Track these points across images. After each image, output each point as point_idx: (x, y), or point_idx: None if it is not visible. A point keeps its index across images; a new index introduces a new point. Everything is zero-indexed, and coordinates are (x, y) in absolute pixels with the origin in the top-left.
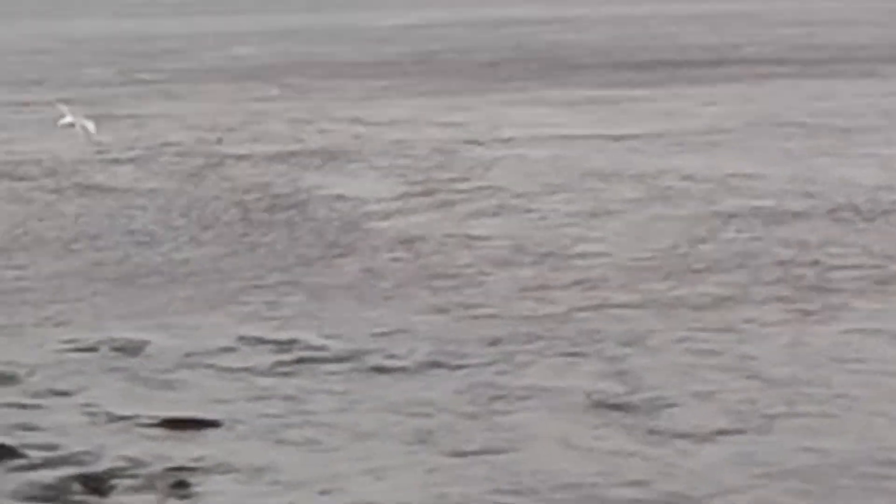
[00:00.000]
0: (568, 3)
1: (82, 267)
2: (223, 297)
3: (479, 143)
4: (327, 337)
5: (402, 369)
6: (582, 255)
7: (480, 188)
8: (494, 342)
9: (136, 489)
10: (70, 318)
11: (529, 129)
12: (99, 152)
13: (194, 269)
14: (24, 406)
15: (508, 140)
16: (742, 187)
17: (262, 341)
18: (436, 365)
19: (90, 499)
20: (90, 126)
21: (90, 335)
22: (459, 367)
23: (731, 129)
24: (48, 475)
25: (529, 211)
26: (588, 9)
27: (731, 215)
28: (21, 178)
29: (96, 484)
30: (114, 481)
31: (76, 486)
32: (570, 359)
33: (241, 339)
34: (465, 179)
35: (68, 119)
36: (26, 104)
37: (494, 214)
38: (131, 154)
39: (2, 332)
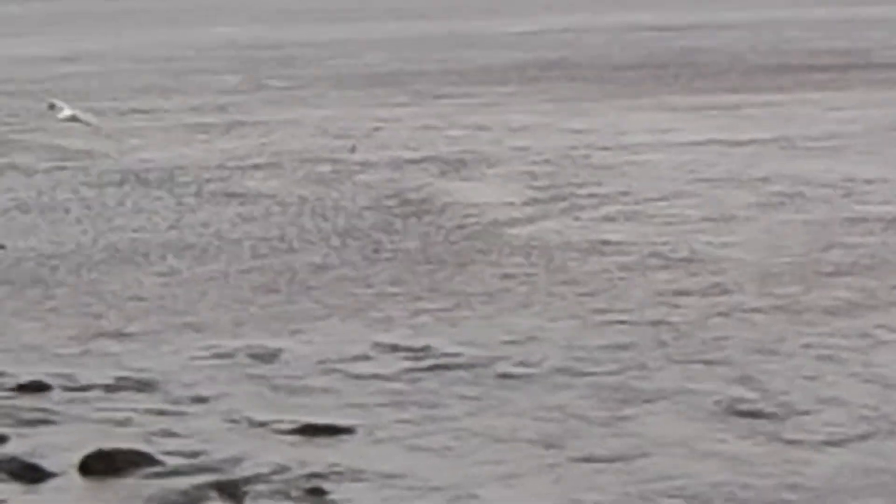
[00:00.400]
0: (701, 8)
1: (221, 273)
2: (359, 304)
3: (604, 149)
4: (461, 343)
5: (534, 375)
6: (713, 261)
7: (606, 194)
8: (626, 347)
9: (271, 495)
10: (208, 325)
11: (653, 135)
12: (230, 158)
13: (330, 276)
14: (161, 412)
15: (632, 146)
16: (864, 192)
17: (396, 348)
18: (567, 371)
19: None
20: (91, 118)
21: (228, 342)
22: (590, 372)
23: (854, 134)
24: (184, 482)
25: (656, 216)
26: (721, 14)
27: (856, 220)
28: (154, 185)
29: (232, 490)
30: (249, 487)
31: (212, 493)
32: (699, 365)
33: (377, 345)
34: (591, 185)
35: (67, 112)
36: (156, 111)
37: (623, 220)
38: (261, 160)
39: (142, 338)
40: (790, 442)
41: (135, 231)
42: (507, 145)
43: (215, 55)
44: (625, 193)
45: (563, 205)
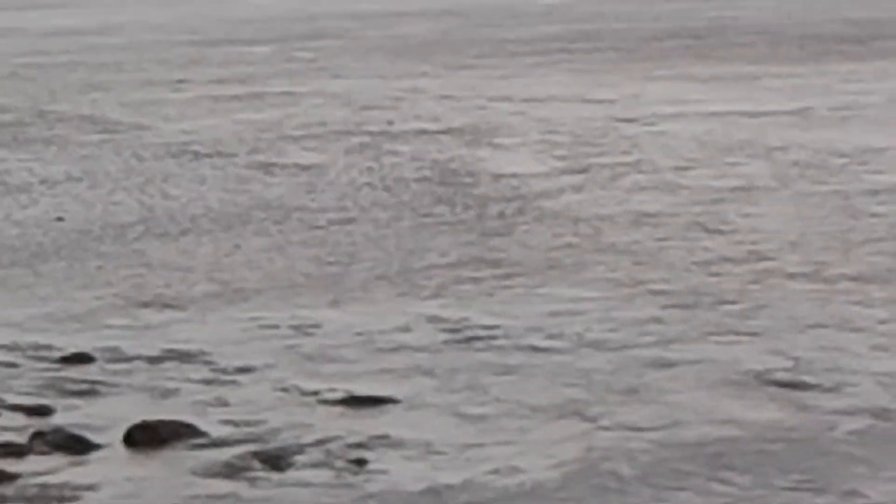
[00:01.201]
0: None
1: (269, 245)
2: (401, 275)
3: (627, 120)
4: (500, 315)
5: (569, 347)
6: (744, 231)
7: (632, 163)
8: (661, 319)
9: (314, 465)
10: (255, 296)
11: (675, 105)
12: (264, 130)
13: (375, 247)
14: (207, 383)
15: (655, 116)
16: (882, 162)
17: (437, 319)
18: (602, 342)
19: (269, 475)
20: None
21: (274, 313)
22: (625, 344)
23: (869, 105)
24: (228, 452)
25: (683, 187)
26: None
27: (879, 191)
28: (197, 156)
29: (275, 460)
30: (292, 458)
31: (255, 463)
32: (732, 335)
33: (419, 316)
34: (616, 154)
35: None
36: (183, 82)
37: (652, 190)
38: (297, 133)
39: (188, 309)
40: (820, 411)
41: (182, 202)
42: (532, 116)
43: (243, 28)
44: (650, 164)
45: (591, 175)
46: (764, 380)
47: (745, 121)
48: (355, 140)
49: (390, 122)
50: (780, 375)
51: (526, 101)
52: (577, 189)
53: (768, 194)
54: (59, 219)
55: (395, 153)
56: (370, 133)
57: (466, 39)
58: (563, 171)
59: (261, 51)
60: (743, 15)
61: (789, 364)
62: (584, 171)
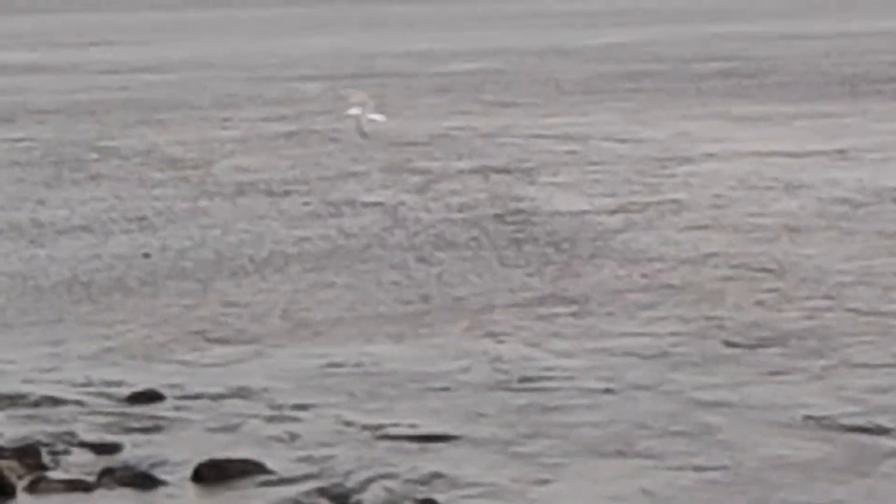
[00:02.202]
0: (788, 17)
1: (331, 281)
2: (463, 314)
3: (673, 159)
4: (562, 355)
5: (627, 388)
6: (796, 271)
7: (681, 202)
8: (725, 359)
9: None
10: (318, 332)
11: (718, 144)
12: (317, 167)
13: (435, 285)
14: (270, 420)
15: (697, 156)
16: None
17: (500, 359)
18: (660, 383)
19: None
20: (378, 118)
21: (336, 349)
22: (690, 384)
23: None
24: (294, 489)
25: (736, 226)
26: (806, 24)
27: None
28: (254, 193)
29: (342, 499)
30: (358, 496)
31: (322, 501)
32: (789, 375)
33: (483, 354)
34: (667, 192)
35: (354, 111)
36: (238, 119)
37: (706, 228)
38: (351, 169)
39: (251, 346)
40: (882, 455)
41: (254, 240)
42: (580, 154)
43: (297, 64)
44: (697, 202)
45: (644, 214)
46: (823, 424)
47: (785, 160)
48: (411, 178)
49: (440, 161)
50: (845, 420)
51: (573, 138)
52: (633, 227)
53: (816, 233)
54: (146, 255)
55: (453, 192)
56: (421, 171)
57: (517, 78)
58: (616, 210)
59: (311, 87)
60: (791, 55)
61: (856, 409)
62: (636, 209)
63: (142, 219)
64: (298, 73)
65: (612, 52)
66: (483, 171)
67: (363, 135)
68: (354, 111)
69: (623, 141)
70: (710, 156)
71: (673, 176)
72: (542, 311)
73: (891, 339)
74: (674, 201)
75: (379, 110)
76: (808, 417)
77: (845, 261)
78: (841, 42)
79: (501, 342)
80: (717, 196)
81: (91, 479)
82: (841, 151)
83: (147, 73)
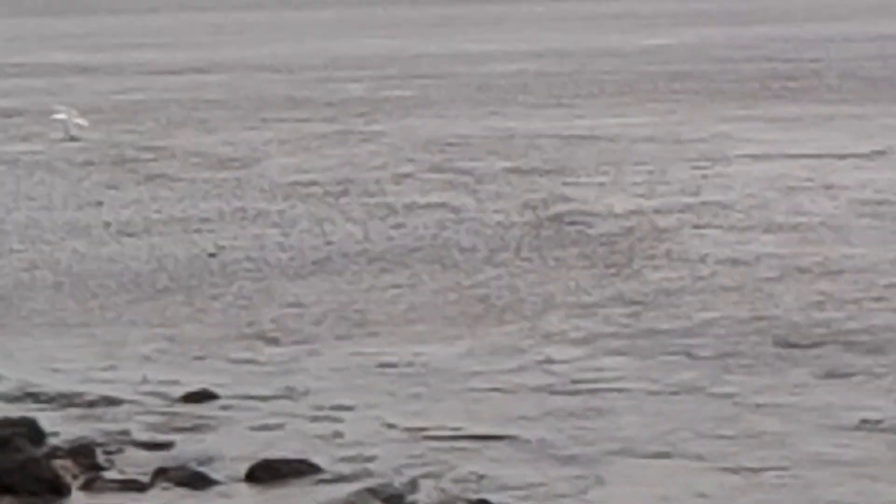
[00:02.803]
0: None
1: (386, 283)
2: (519, 315)
3: (714, 160)
4: (614, 356)
5: (683, 388)
6: (844, 271)
7: (725, 204)
8: (778, 360)
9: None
10: (372, 333)
11: (758, 146)
12: (364, 167)
13: (491, 286)
14: (322, 419)
15: (740, 156)
16: None
17: (550, 360)
18: (717, 384)
19: None
20: (81, 122)
21: (390, 349)
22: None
23: None
24: (345, 488)
25: (781, 227)
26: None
27: None
28: (313, 195)
29: (393, 499)
30: (411, 496)
31: (373, 500)
32: (844, 378)
33: (535, 356)
34: (709, 194)
35: (60, 115)
36: (282, 120)
37: (752, 229)
38: (407, 170)
39: (312, 345)
40: None
41: (310, 240)
42: (621, 155)
43: (340, 65)
44: (741, 203)
45: (690, 214)
46: (884, 426)
47: (824, 162)
48: (460, 179)
49: (482, 161)
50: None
51: (613, 140)
52: (681, 228)
53: (860, 234)
54: (212, 255)
55: (503, 194)
56: (466, 171)
57: (558, 79)
58: (661, 210)
59: (355, 88)
60: (836, 57)
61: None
62: (680, 209)
63: (204, 220)
64: (341, 75)
65: (655, 54)
66: (526, 172)
67: (71, 137)
68: (61, 116)
69: (664, 142)
70: (751, 157)
71: (714, 176)
72: (597, 312)
73: None
74: (717, 202)
75: (84, 117)
76: (864, 421)
77: (893, 262)
78: (885, 45)
79: (555, 343)
80: (758, 196)
81: (145, 478)
82: (880, 153)
83: (191, 73)
